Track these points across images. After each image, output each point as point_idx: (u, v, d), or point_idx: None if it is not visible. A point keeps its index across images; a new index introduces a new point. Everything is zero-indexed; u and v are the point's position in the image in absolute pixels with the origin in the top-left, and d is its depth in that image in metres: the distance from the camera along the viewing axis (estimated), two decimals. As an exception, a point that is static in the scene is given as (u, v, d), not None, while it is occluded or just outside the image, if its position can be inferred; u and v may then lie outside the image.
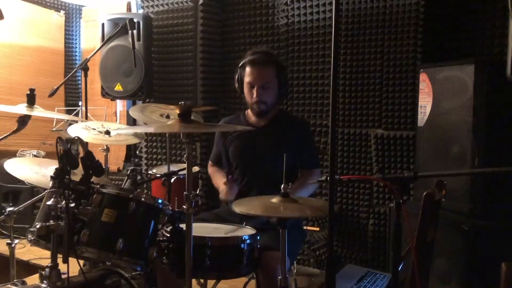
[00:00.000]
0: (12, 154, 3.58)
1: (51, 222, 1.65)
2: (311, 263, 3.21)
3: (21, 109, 2.13)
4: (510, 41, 2.04)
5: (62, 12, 4.68)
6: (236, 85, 2.34)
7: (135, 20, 3.26)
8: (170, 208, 1.80)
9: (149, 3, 3.68)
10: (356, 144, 3.14)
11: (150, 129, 2.80)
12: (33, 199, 2.51)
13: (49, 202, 1.68)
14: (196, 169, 3.15)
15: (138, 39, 3.45)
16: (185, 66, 3.58)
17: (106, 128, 2.88)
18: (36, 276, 1.78)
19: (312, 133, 3.17)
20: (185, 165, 1.64)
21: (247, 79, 2.25)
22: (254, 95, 2.22)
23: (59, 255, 1.68)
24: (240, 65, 2.29)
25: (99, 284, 1.90)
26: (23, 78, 4.28)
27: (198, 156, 3.49)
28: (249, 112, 2.39)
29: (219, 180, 2.31)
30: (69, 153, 1.68)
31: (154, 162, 3.82)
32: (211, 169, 2.50)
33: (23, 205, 2.42)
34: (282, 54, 3.36)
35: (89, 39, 4.76)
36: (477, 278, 2.03)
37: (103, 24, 3.63)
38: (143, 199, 1.77)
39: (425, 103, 2.43)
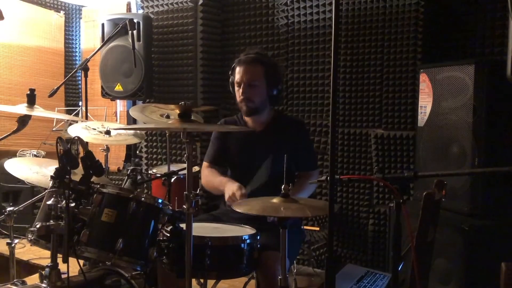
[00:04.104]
0: (12, 154, 3.58)
1: (51, 222, 1.65)
2: (311, 263, 3.21)
3: (21, 109, 2.14)
4: (510, 41, 2.04)
5: (62, 12, 4.68)
6: (231, 88, 2.33)
7: (135, 20, 3.26)
8: (170, 208, 1.80)
9: (149, 3, 3.68)
10: (356, 144, 3.14)
11: (151, 125, 2.79)
12: (33, 199, 2.51)
13: (49, 202, 1.68)
14: (196, 169, 3.14)
15: (138, 39, 3.45)
16: (185, 66, 3.58)
17: (106, 128, 2.88)
18: (36, 276, 1.78)
19: (310, 134, 3.18)
20: (185, 165, 1.64)
21: (235, 78, 2.25)
22: (241, 92, 2.22)
23: (59, 255, 1.68)
24: (231, 68, 2.29)
25: (99, 284, 1.90)
26: (23, 78, 4.29)
27: (198, 156, 3.49)
28: (244, 115, 2.39)
29: (217, 179, 2.26)
30: (69, 153, 1.68)
31: (154, 162, 3.82)
32: (207, 171, 2.38)
33: (23, 205, 2.42)
34: (282, 54, 3.36)
35: (89, 39, 4.76)
36: (477, 278, 2.03)
37: (103, 24, 3.63)
38: (143, 199, 1.76)
39: (425, 103, 2.43)
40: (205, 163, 2.41)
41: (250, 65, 2.22)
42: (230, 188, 2.06)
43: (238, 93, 2.25)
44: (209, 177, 2.34)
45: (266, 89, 2.24)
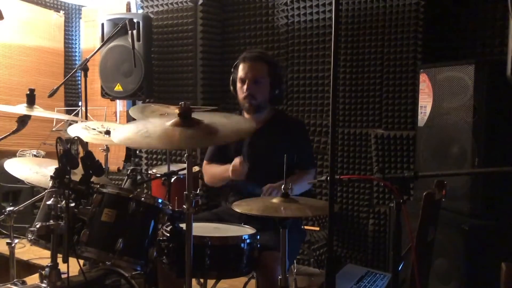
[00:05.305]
0: (12, 154, 3.57)
1: (51, 222, 1.65)
2: (311, 263, 3.21)
3: (21, 109, 2.13)
4: (510, 41, 2.04)
5: (62, 12, 4.68)
6: (231, 87, 2.34)
7: (134, 20, 3.27)
8: (170, 207, 1.80)
9: (149, 3, 3.68)
10: (356, 144, 3.14)
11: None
12: (33, 199, 2.51)
13: (49, 202, 1.68)
14: (196, 169, 3.15)
15: (138, 39, 3.45)
16: (185, 66, 3.58)
17: (106, 128, 2.88)
18: (36, 276, 1.77)
19: (309, 133, 3.17)
20: (185, 165, 1.64)
21: (238, 75, 2.25)
22: (245, 89, 2.22)
23: (59, 255, 1.68)
24: (233, 66, 2.30)
25: (99, 284, 1.90)
26: (23, 78, 4.28)
27: (198, 156, 3.49)
28: (245, 113, 2.38)
29: (219, 168, 2.27)
30: (69, 153, 1.68)
31: (154, 162, 3.82)
32: (207, 167, 2.41)
33: (23, 204, 2.41)
34: (282, 54, 3.36)
35: (89, 39, 4.76)
36: (477, 278, 2.03)
37: (102, 24, 3.63)
38: (143, 199, 1.76)
39: (425, 103, 2.44)
40: (205, 162, 2.44)
41: (255, 62, 2.23)
42: (232, 165, 2.13)
43: (241, 89, 2.25)
44: (211, 170, 2.36)
45: (269, 88, 2.25)
